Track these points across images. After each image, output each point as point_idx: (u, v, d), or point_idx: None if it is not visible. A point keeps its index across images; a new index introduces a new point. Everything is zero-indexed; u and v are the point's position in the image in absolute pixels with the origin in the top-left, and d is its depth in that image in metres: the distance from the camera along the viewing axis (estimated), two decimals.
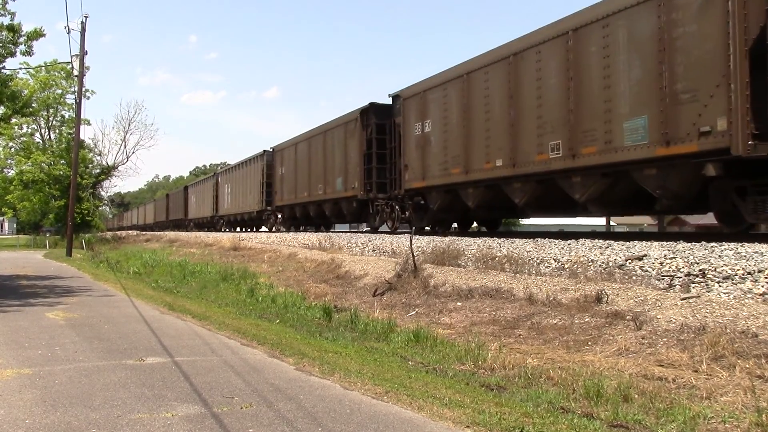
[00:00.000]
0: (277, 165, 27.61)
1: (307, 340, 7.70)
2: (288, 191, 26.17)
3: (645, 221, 43.29)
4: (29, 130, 45.07)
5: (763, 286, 6.31)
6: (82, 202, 41.54)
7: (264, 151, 29.81)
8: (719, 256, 7.36)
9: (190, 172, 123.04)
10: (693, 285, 6.88)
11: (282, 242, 20.45)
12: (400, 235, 15.93)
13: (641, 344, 5.91)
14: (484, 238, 12.50)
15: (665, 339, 5.84)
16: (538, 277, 8.73)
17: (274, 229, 28.06)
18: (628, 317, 6.47)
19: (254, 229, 33.32)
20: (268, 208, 28.54)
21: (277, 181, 27.54)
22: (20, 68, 31.49)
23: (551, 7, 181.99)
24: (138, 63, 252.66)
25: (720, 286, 6.65)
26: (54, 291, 13.26)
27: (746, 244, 7.90)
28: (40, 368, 5.88)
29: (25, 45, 19.38)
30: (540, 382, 5.44)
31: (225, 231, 35.71)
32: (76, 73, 29.54)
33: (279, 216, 27.68)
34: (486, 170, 13.13)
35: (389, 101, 18.16)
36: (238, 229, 36.42)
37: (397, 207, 17.70)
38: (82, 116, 31.76)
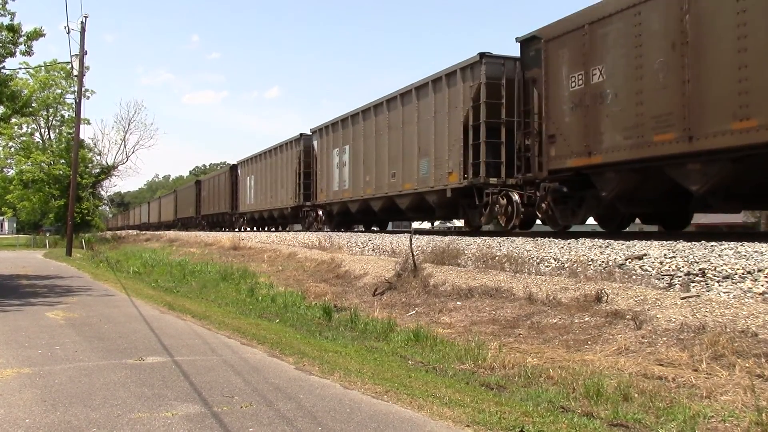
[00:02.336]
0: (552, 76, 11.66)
1: (307, 340, 7.71)
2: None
3: None
4: (29, 130, 45.15)
5: (762, 286, 6.31)
6: (82, 202, 41.51)
7: (469, 64, 14.31)
8: (719, 255, 7.36)
9: (190, 172, 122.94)
10: (693, 284, 6.88)
11: (282, 242, 20.45)
12: (399, 235, 15.93)
13: (641, 343, 5.91)
14: (484, 238, 12.50)
15: (665, 338, 5.84)
16: (538, 277, 8.73)
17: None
18: (627, 316, 6.47)
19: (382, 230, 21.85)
20: (492, 180, 13.74)
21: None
22: (20, 68, 31.51)
23: (549, 5, 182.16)
24: (140, 63, 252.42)
25: (720, 285, 6.65)
26: (54, 290, 13.26)
27: (746, 243, 7.90)
28: (40, 368, 5.88)
29: (24, 45, 19.38)
30: (540, 381, 5.44)
31: (325, 230, 22.08)
32: (75, 72, 29.53)
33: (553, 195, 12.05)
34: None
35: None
36: (356, 227, 23.89)
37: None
38: (81, 116, 31.76)
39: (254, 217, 31.76)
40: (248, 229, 33.24)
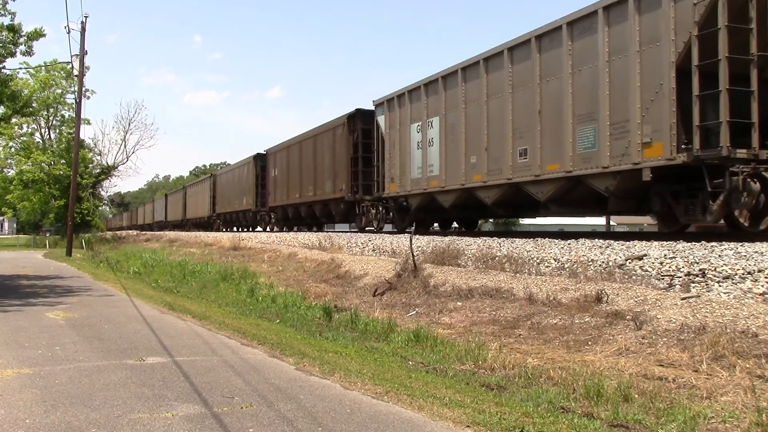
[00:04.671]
0: None
1: (307, 340, 7.70)
2: None
3: (645, 221, 43.32)
4: (29, 130, 45.18)
5: (763, 286, 6.31)
6: (82, 202, 41.57)
7: None
8: (719, 255, 7.36)
9: (190, 172, 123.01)
10: (693, 285, 6.88)
11: (282, 242, 20.45)
12: (399, 235, 15.92)
13: (641, 344, 5.91)
14: (484, 238, 12.50)
15: (665, 339, 5.84)
16: (538, 277, 8.73)
17: None
18: (628, 317, 6.47)
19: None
20: (740, 153, 8.53)
21: None
22: (20, 68, 31.54)
23: (546, 4, 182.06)
24: (142, 63, 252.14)
25: (720, 285, 6.65)
26: (54, 291, 13.26)
27: (746, 243, 7.91)
28: (40, 368, 5.88)
29: (25, 45, 19.36)
30: (540, 381, 5.44)
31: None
32: (76, 72, 29.55)
33: None
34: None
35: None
36: None
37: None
38: (82, 116, 31.79)
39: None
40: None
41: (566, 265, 8.79)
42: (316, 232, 24.28)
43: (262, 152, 31.12)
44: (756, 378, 4.78)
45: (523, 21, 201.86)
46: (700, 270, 7.01)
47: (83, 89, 30.97)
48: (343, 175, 20.80)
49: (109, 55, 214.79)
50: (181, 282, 15.94)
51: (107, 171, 46.95)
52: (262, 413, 4.51)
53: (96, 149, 46.63)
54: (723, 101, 8.81)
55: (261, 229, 30.55)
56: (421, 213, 17.69)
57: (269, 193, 29.24)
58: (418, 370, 6.09)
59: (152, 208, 64.50)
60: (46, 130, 46.62)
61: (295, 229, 27.63)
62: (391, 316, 8.65)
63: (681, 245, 8.35)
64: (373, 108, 19.39)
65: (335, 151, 21.67)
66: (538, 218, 18.00)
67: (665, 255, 7.79)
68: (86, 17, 28.72)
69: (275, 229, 28.81)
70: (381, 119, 18.58)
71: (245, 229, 33.24)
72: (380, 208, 19.37)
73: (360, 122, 20.34)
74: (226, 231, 34.51)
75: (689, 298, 6.47)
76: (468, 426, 4.27)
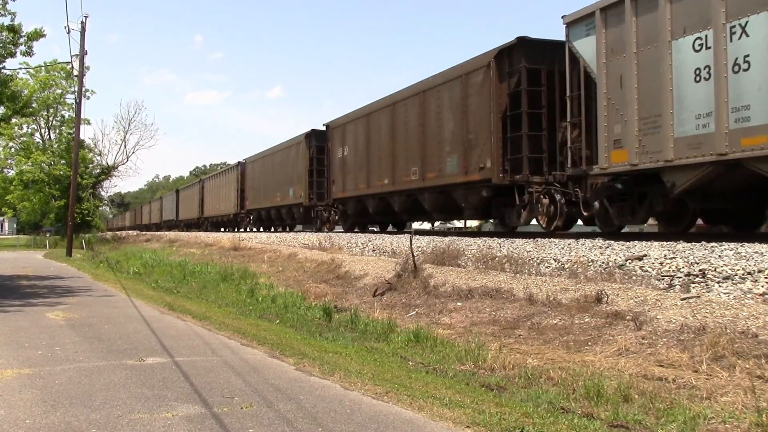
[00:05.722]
0: None
1: (307, 341, 7.71)
2: None
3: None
4: (29, 130, 45.23)
5: (763, 286, 6.31)
6: (82, 202, 41.57)
7: None
8: (719, 256, 7.37)
9: (190, 172, 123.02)
10: (693, 285, 6.88)
11: (282, 242, 20.45)
12: (399, 236, 15.92)
13: (641, 344, 5.91)
14: (484, 238, 12.50)
15: (665, 339, 5.84)
16: (538, 277, 8.73)
17: None
18: (628, 317, 6.47)
19: None
20: None
21: None
22: (20, 68, 31.51)
23: (548, 4, 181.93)
24: (142, 63, 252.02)
25: (720, 286, 6.65)
26: (54, 291, 13.26)
27: (746, 244, 7.91)
28: (40, 368, 5.88)
29: (25, 45, 19.38)
30: (540, 382, 5.44)
31: None
32: (76, 72, 29.56)
33: None
34: None
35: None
36: None
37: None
38: (82, 116, 31.81)
39: None
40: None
41: (566, 266, 8.79)
42: (396, 234, 17.70)
43: (319, 128, 23.74)
44: (756, 378, 4.78)
45: (525, 19, 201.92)
46: (700, 270, 7.01)
47: (83, 89, 31.00)
48: (487, 145, 13.53)
49: (109, 55, 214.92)
50: (181, 282, 15.94)
51: (107, 171, 46.99)
52: (262, 413, 4.51)
53: (96, 149, 46.74)
54: None
55: (307, 229, 24.27)
56: (692, 199, 10.08)
57: (333, 180, 21.70)
58: (418, 371, 6.09)
59: (160, 206, 57.67)
60: (46, 130, 46.70)
61: (367, 229, 21.17)
62: (391, 317, 8.65)
63: (681, 245, 8.36)
64: (541, 40, 12.62)
65: (468, 109, 14.33)
66: None
67: (665, 255, 7.80)
68: (86, 17, 28.82)
69: (336, 229, 21.87)
70: (583, 44, 11.04)
71: (288, 229, 26.99)
72: (556, 197, 12.00)
73: (524, 59, 12.85)
74: (262, 231, 28.96)
75: (689, 298, 6.47)
76: (468, 426, 4.27)
